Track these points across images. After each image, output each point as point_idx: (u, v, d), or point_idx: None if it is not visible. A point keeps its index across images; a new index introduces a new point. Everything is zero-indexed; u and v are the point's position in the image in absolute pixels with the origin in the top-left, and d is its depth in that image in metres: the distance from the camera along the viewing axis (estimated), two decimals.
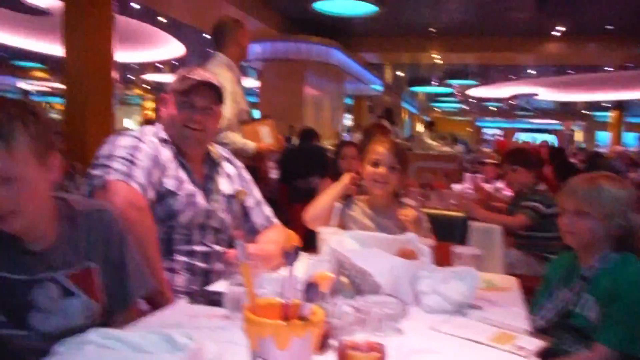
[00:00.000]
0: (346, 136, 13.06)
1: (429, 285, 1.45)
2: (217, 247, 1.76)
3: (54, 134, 1.18)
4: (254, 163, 2.97)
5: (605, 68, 14.32)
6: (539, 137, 14.44)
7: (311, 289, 0.78)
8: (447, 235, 2.11)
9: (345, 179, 2.12)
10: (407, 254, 1.59)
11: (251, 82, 13.21)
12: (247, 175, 2.00)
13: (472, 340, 1.20)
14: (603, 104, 21.50)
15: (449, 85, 18.57)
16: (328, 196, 2.11)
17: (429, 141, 8.26)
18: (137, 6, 9.09)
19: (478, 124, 30.03)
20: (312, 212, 2.09)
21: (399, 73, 17.74)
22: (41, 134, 1.10)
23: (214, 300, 1.33)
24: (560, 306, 1.62)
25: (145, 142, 1.67)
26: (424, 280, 1.47)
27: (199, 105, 1.74)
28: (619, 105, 19.93)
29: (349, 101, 17.31)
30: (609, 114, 21.06)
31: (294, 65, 11.17)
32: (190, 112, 1.73)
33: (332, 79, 12.72)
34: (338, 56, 12.07)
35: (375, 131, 3.88)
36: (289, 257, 0.80)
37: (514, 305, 1.53)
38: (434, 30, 11.85)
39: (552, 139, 20.95)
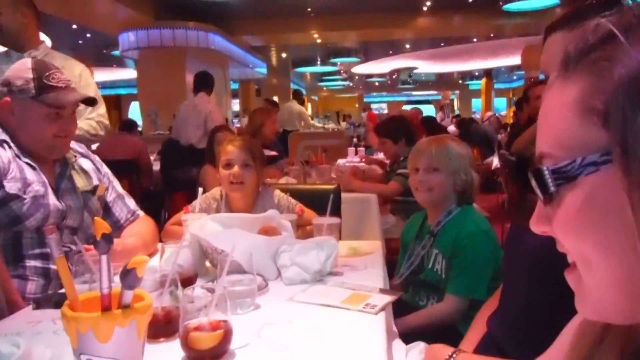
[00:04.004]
0: (235, 122, 12.93)
1: (289, 258, 1.47)
2: (75, 247, 1.66)
3: None
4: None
5: (474, 40, 15.38)
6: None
7: (128, 276, 0.76)
8: (323, 207, 2.14)
9: None
10: (269, 231, 1.60)
11: (131, 73, 12.57)
12: (106, 169, 1.91)
13: (324, 304, 1.24)
14: (475, 73, 23.15)
15: (334, 64, 18.94)
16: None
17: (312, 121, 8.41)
18: None
19: (366, 99, 31.01)
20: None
21: (283, 55, 17.77)
22: None
23: (60, 301, 1.25)
24: (415, 263, 1.73)
25: None
26: (284, 254, 1.50)
27: (66, 114, 1.65)
28: (488, 73, 21.51)
29: (235, 86, 17.08)
30: (480, 81, 22.64)
31: (173, 52, 10.82)
32: (61, 123, 1.63)
33: (215, 65, 12.44)
34: (218, 41, 11.85)
35: (219, 132, 3.52)
36: (100, 246, 0.77)
37: (374, 268, 1.59)
38: (310, 10, 11.99)
39: (430, 108, 22.35)
